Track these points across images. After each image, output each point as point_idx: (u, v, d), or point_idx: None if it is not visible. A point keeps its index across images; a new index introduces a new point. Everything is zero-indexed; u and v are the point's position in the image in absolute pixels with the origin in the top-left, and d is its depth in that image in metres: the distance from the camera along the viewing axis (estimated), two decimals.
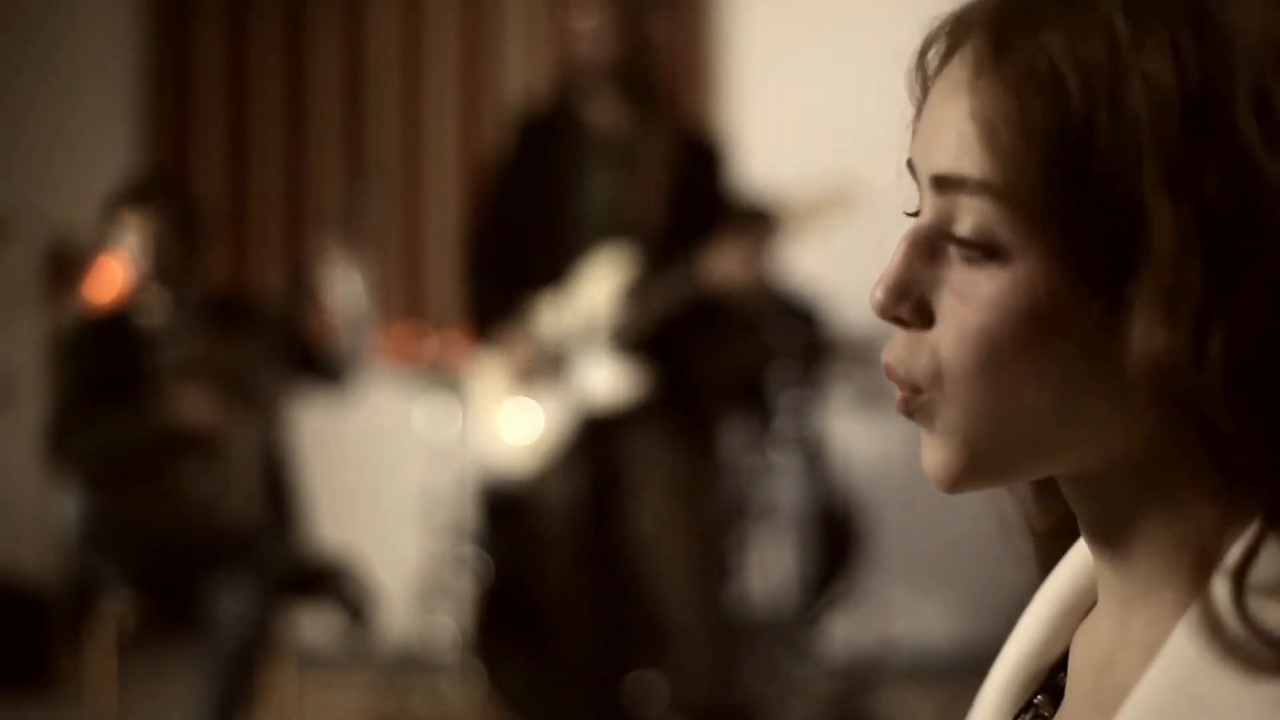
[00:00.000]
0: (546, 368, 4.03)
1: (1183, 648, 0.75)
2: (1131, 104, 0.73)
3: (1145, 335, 0.73)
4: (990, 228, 0.76)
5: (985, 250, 0.77)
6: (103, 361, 4.00)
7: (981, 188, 0.76)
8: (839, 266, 4.23)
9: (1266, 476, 0.74)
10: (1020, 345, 0.76)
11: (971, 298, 0.77)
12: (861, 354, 4.95)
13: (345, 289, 4.17)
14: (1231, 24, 0.74)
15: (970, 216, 0.77)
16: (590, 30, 4.07)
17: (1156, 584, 0.80)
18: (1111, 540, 0.81)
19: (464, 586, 4.55)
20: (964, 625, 5.44)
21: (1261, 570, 0.73)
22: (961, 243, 0.78)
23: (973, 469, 0.80)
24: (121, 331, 4.04)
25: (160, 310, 4.04)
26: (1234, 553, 0.74)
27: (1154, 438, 0.76)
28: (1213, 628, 0.73)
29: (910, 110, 0.83)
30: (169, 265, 4.03)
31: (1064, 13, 0.75)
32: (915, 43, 0.82)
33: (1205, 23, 0.74)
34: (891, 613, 5.04)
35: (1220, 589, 0.74)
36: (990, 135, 0.76)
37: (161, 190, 4.21)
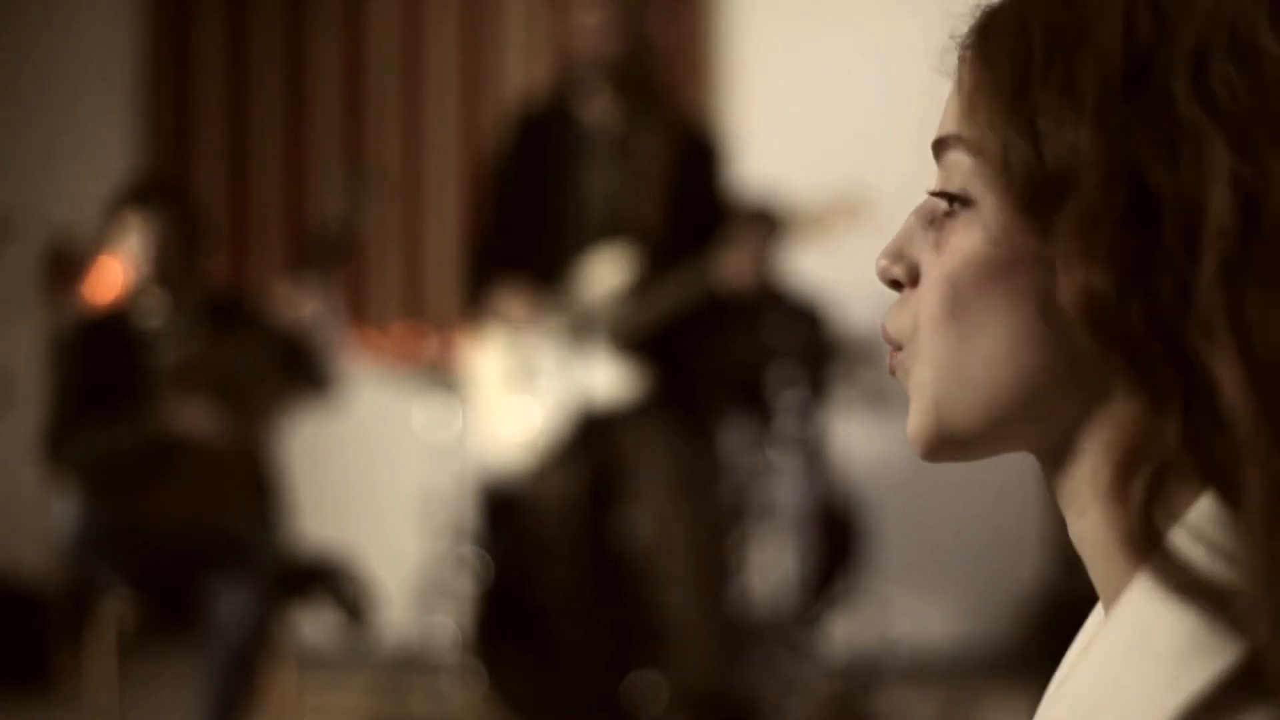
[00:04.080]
0: (541, 311, 4.02)
1: (1130, 597, 0.78)
2: (1081, 63, 0.79)
3: (1067, 266, 0.78)
4: (964, 180, 0.83)
5: (962, 202, 0.83)
6: (99, 364, 3.99)
7: (957, 141, 0.83)
8: (843, 267, 4.23)
9: (1179, 404, 0.76)
10: (978, 287, 0.81)
11: (944, 247, 0.83)
12: (863, 354, 4.96)
13: (313, 308, 4.15)
14: (1184, 5, 0.80)
15: (955, 174, 0.83)
16: (591, 26, 4.07)
17: (1122, 579, 0.80)
18: (1084, 530, 0.83)
19: (464, 586, 4.55)
20: (964, 625, 5.44)
21: (1196, 519, 0.76)
22: (942, 196, 0.84)
23: (941, 428, 0.83)
24: (119, 333, 4.03)
25: (158, 312, 4.04)
26: (1141, 487, 0.77)
27: (1096, 386, 0.80)
28: (1152, 573, 0.76)
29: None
30: (169, 267, 4.02)
31: None
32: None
33: (1162, 3, 0.81)
34: (891, 613, 5.04)
35: (1169, 540, 0.77)
36: (969, 98, 0.83)
37: (163, 192, 4.21)
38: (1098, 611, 0.90)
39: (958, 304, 0.82)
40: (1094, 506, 0.82)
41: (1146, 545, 0.76)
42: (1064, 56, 0.80)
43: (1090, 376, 0.80)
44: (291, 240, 5.77)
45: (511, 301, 4.06)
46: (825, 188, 4.29)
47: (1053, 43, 0.80)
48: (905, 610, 5.23)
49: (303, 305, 4.12)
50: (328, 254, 4.29)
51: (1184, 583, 0.74)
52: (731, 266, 3.95)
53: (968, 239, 0.82)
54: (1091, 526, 0.83)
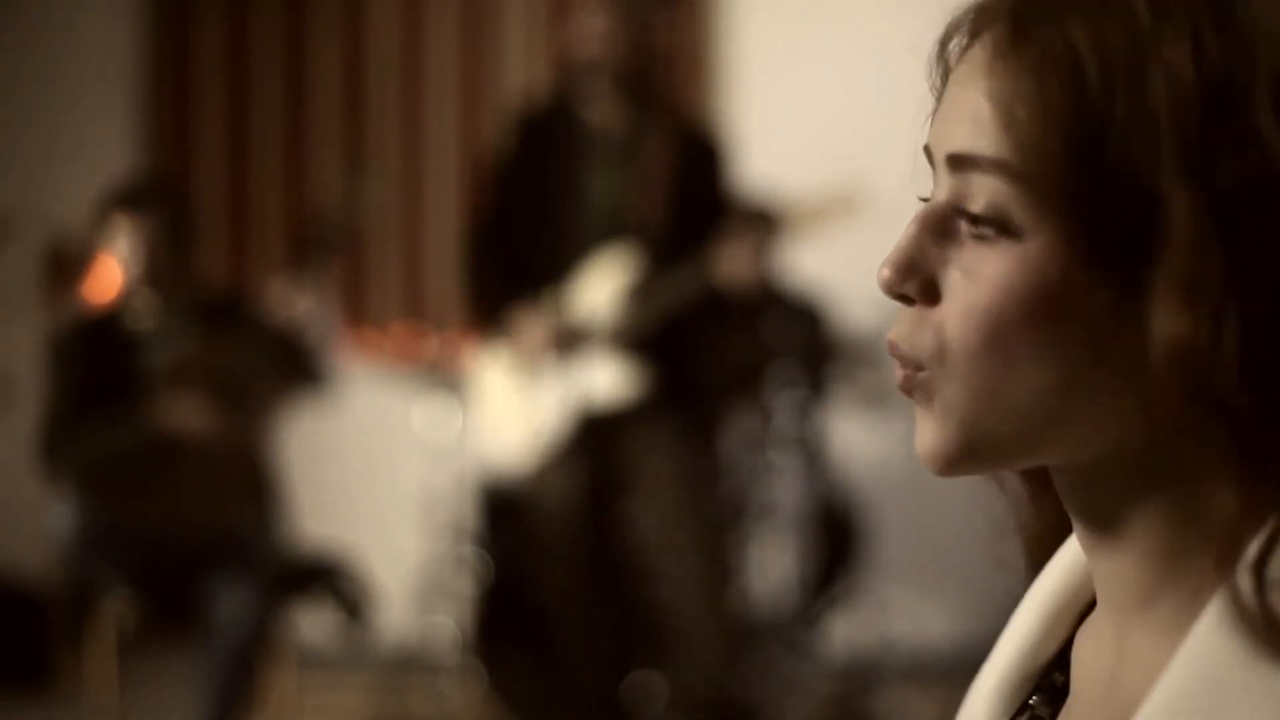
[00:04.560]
0: (560, 344, 4.03)
1: (1205, 646, 0.74)
2: (1151, 91, 0.73)
3: (1165, 321, 0.73)
4: (1003, 206, 0.77)
5: (998, 228, 0.77)
6: (94, 366, 3.99)
7: (996, 166, 0.77)
8: (843, 267, 4.24)
9: None
10: (1025, 325, 0.76)
11: (980, 276, 0.77)
12: (863, 355, 4.95)
13: (307, 305, 4.16)
14: (1252, 17, 0.74)
15: (984, 195, 0.77)
16: (592, 28, 4.07)
17: (1156, 590, 0.79)
18: (1109, 541, 0.80)
19: (464, 586, 4.56)
20: (964, 625, 5.43)
21: None
22: (974, 219, 0.78)
23: (967, 451, 0.79)
24: (112, 335, 4.03)
25: (151, 313, 4.03)
26: (1255, 546, 0.73)
27: (1165, 428, 0.76)
28: (1237, 623, 0.73)
29: (923, 102, 0.83)
30: (160, 268, 4.01)
31: (1086, 0, 0.76)
32: (929, 34, 0.83)
33: (1226, 15, 0.74)
34: (891, 613, 5.04)
35: (1245, 583, 0.73)
36: (1007, 115, 0.76)
37: (152, 193, 4.19)
38: (1052, 577, 0.89)
39: (999, 338, 0.77)
40: (1136, 540, 0.79)
41: (1265, 628, 0.72)
42: (1128, 81, 0.74)
43: (1137, 408, 0.76)
44: (291, 239, 5.77)
45: (529, 330, 4.05)
46: (821, 181, 4.29)
47: (1109, 60, 0.74)
48: (905, 610, 5.23)
49: (296, 302, 4.12)
50: (326, 248, 4.29)
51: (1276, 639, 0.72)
52: (730, 262, 3.94)
53: (1011, 271, 0.76)
54: (1126, 556, 0.80)
